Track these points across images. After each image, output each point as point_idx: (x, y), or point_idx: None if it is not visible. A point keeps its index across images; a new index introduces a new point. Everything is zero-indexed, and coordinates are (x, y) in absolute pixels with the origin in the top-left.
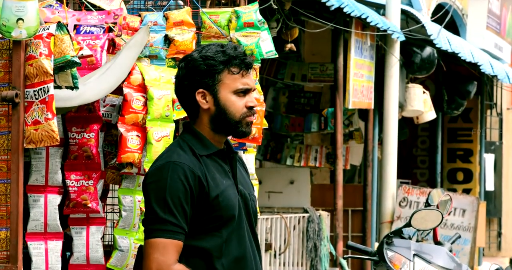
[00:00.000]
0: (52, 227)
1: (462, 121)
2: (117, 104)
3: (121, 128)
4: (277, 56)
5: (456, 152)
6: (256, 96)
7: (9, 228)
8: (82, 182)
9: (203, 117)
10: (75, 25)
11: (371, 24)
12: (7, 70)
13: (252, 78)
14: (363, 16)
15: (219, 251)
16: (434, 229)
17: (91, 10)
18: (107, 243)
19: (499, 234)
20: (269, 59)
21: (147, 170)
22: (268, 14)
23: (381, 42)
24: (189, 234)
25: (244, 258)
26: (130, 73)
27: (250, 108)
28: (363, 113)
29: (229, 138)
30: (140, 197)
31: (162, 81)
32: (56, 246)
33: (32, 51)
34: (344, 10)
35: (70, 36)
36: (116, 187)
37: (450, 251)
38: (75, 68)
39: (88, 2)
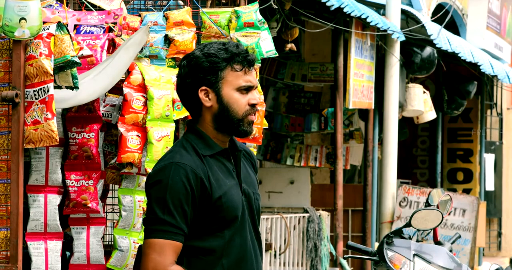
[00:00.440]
0: (52, 227)
1: (462, 121)
2: (117, 104)
3: (121, 128)
4: (277, 56)
5: (456, 152)
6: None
7: (9, 228)
8: (82, 182)
9: (206, 115)
10: (75, 25)
11: (371, 24)
12: (7, 70)
13: (254, 76)
14: (363, 16)
15: (220, 251)
16: (434, 229)
17: (91, 10)
18: (107, 243)
19: (499, 234)
20: (269, 59)
21: (148, 170)
22: (268, 14)
23: (381, 42)
24: (191, 234)
25: (244, 258)
26: (130, 73)
27: (253, 105)
28: (363, 113)
29: None
30: (140, 197)
31: (162, 81)
32: (56, 246)
33: (32, 51)
34: (344, 10)
35: (70, 36)
36: (116, 187)
37: (450, 251)
38: (75, 68)
39: (88, 2)
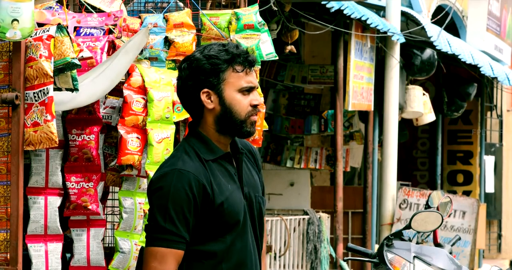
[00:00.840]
0: (52, 229)
1: (462, 123)
2: (117, 106)
3: (121, 130)
4: (277, 58)
5: (456, 154)
6: None
7: (9, 230)
8: (82, 184)
9: (208, 118)
10: (75, 27)
11: (371, 26)
12: (7, 72)
13: (255, 76)
14: (363, 18)
15: (222, 255)
16: (434, 231)
17: (91, 12)
18: (107, 245)
19: (499, 236)
20: (269, 61)
21: (148, 172)
22: (268, 16)
23: (381, 44)
24: (193, 239)
25: (245, 263)
26: (130, 75)
27: (255, 106)
28: (363, 115)
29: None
30: (140, 199)
31: (162, 83)
32: (56, 248)
33: (32, 53)
34: (344, 12)
35: (70, 38)
36: (116, 189)
37: (450, 253)
38: (75, 70)
39: (88, 4)
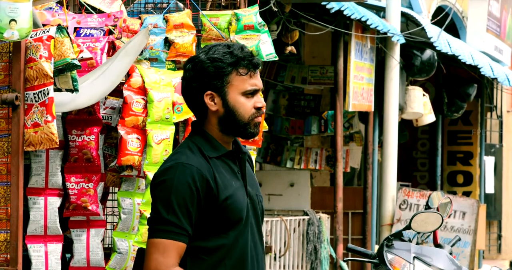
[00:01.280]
0: (52, 229)
1: (462, 124)
2: (117, 106)
3: (121, 131)
4: (277, 58)
5: (456, 155)
6: None
7: (9, 231)
8: (82, 185)
9: (212, 118)
10: (75, 28)
11: (371, 26)
12: (7, 72)
13: (259, 78)
14: (363, 19)
15: (225, 252)
16: (434, 232)
17: (91, 13)
18: (107, 245)
19: (499, 237)
20: (269, 62)
21: (147, 172)
22: (268, 17)
23: (381, 44)
24: (196, 235)
25: (246, 260)
26: (130, 75)
27: (259, 108)
28: (363, 116)
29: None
30: (139, 199)
31: (162, 84)
32: (56, 248)
33: (32, 53)
34: (344, 12)
35: (70, 38)
36: (116, 189)
37: (450, 253)
38: (75, 71)
39: (88, 5)
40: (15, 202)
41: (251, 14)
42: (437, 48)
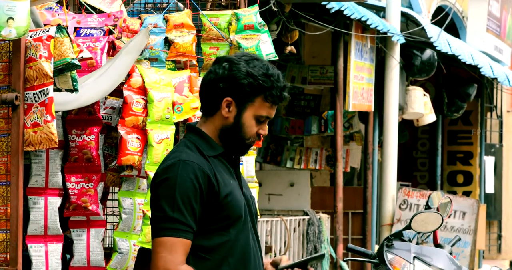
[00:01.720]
0: (52, 229)
1: (462, 123)
2: (117, 106)
3: (121, 131)
4: (277, 58)
5: (456, 155)
6: None
7: (9, 231)
8: (82, 185)
9: (217, 120)
10: (75, 28)
11: (371, 26)
12: (7, 72)
13: (275, 109)
14: (363, 19)
15: (227, 250)
16: (434, 232)
17: (91, 13)
18: (107, 245)
19: (499, 237)
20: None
21: (148, 172)
22: (268, 17)
23: (381, 44)
24: (197, 233)
25: (249, 258)
26: (130, 75)
27: (259, 135)
28: (363, 116)
29: None
30: (140, 199)
31: (162, 83)
32: (56, 248)
33: (32, 53)
34: (344, 12)
35: (70, 38)
36: (116, 189)
37: (450, 253)
38: (75, 71)
39: (88, 5)
40: (15, 201)
41: (251, 14)
42: (437, 48)
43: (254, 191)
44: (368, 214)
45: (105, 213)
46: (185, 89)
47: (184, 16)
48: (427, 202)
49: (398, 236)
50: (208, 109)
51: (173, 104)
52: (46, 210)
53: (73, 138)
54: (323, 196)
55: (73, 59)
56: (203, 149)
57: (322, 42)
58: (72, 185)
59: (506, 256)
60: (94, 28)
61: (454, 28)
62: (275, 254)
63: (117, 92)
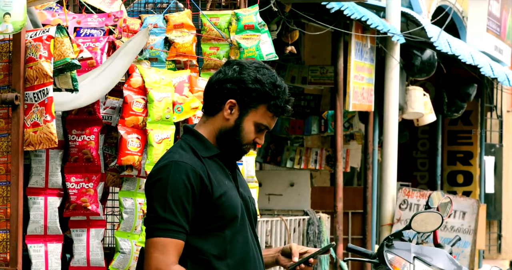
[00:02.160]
0: (52, 229)
1: (462, 123)
2: (117, 106)
3: (121, 131)
4: (277, 58)
5: (456, 155)
6: None
7: (9, 230)
8: (82, 185)
9: (217, 121)
10: (75, 28)
11: (371, 26)
12: (7, 72)
13: (275, 121)
14: (363, 19)
15: (223, 251)
16: (434, 232)
17: (91, 13)
18: (107, 245)
19: (499, 237)
20: (269, 61)
21: (148, 172)
22: (268, 17)
23: (381, 44)
24: (192, 234)
25: (248, 259)
26: (130, 75)
27: (255, 144)
28: (363, 116)
29: None
30: (140, 199)
31: (162, 83)
32: (56, 248)
33: (32, 53)
34: (344, 12)
35: (70, 38)
36: (116, 189)
37: (450, 253)
38: (75, 71)
39: (88, 5)
40: (14, 201)
41: (251, 14)
42: (437, 48)
43: (254, 191)
44: (368, 214)
45: (105, 213)
46: (185, 89)
47: (184, 16)
48: (427, 202)
49: (398, 236)
50: (210, 109)
51: (173, 104)
52: (46, 210)
53: (73, 137)
54: (323, 196)
55: (73, 59)
56: (198, 149)
57: (322, 42)
58: (72, 185)
59: (506, 256)
60: (94, 28)
61: (454, 28)
62: None
63: (117, 92)
